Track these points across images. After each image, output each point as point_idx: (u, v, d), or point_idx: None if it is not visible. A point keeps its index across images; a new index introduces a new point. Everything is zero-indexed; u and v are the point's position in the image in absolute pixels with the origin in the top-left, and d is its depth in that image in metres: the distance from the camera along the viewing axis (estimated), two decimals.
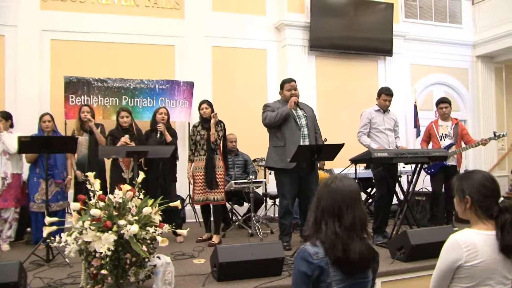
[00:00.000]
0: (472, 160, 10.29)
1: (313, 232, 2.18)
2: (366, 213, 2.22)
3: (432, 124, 6.76)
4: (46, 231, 3.58)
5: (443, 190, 6.56)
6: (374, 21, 9.25)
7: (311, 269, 2.07)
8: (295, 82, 5.60)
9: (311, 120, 5.50)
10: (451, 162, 6.44)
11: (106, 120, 7.06)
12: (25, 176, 6.01)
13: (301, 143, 5.26)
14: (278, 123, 5.31)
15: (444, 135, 6.57)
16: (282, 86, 5.61)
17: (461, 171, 6.71)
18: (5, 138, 5.63)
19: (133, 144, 5.71)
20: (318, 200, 2.20)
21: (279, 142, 5.36)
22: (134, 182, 4.08)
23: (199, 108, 5.91)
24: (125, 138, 5.66)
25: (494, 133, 6.40)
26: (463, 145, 6.55)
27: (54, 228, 3.60)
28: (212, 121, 5.68)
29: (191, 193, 6.95)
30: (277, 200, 7.48)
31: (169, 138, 5.82)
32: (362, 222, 2.15)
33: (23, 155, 5.79)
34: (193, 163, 5.91)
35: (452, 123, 6.63)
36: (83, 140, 5.99)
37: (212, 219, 5.94)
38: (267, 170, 7.70)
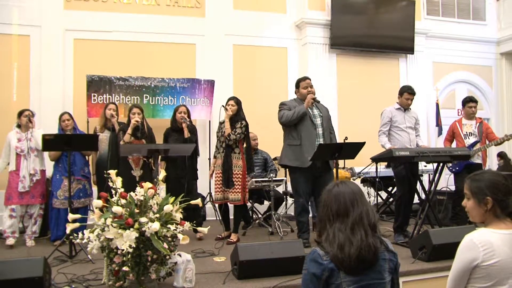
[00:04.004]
0: (495, 159, 10.12)
1: (322, 237, 2.18)
2: (373, 209, 2.19)
3: (456, 123, 6.67)
4: (69, 227, 3.64)
5: None
6: (396, 19, 9.17)
7: (321, 269, 2.05)
8: (310, 79, 5.64)
9: (326, 120, 5.52)
10: (476, 160, 6.35)
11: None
12: (47, 173, 6.11)
13: (316, 142, 5.28)
14: (294, 122, 5.34)
15: (468, 133, 6.49)
16: (297, 85, 5.64)
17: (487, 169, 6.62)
18: (36, 135, 5.73)
19: (143, 141, 5.71)
20: (324, 207, 2.20)
21: (295, 141, 5.38)
22: (155, 180, 4.10)
23: (226, 104, 5.84)
24: (136, 118, 5.62)
25: None
26: (487, 142, 6.45)
27: (77, 224, 3.66)
28: (225, 115, 5.69)
29: (211, 191, 6.98)
30: None
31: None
32: (369, 216, 2.12)
33: (45, 152, 5.88)
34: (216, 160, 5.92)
35: (476, 122, 6.55)
36: (104, 137, 6.06)
37: (232, 217, 5.96)
38: (287, 168, 7.71)
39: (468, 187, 2.28)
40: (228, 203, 5.79)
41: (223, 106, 5.84)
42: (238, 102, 5.81)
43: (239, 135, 5.65)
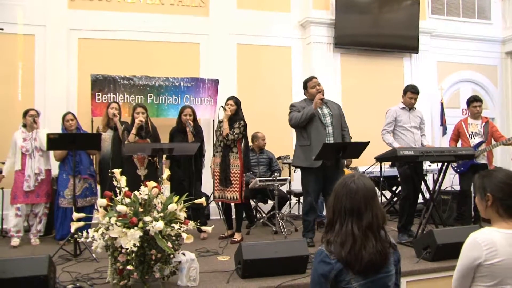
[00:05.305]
0: (500, 159, 10.08)
1: (330, 231, 2.17)
2: (384, 212, 2.20)
3: (461, 123, 6.64)
4: (73, 226, 3.65)
5: (471, 189, 6.44)
6: (400, 18, 9.14)
7: (329, 268, 2.05)
8: (317, 78, 5.65)
9: (337, 118, 5.49)
10: (481, 160, 6.33)
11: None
12: (53, 172, 6.13)
13: (327, 142, 5.27)
14: (304, 123, 5.34)
15: (474, 133, 6.46)
16: (305, 86, 5.64)
17: None
18: (41, 135, 5.75)
19: (148, 140, 5.69)
20: (336, 200, 2.17)
21: (305, 142, 5.40)
22: (159, 179, 4.11)
23: (225, 104, 5.84)
24: (140, 117, 5.56)
25: None
26: (493, 142, 6.41)
27: (81, 223, 3.67)
28: (224, 115, 5.70)
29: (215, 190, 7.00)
30: (301, 198, 7.49)
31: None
32: (379, 220, 2.13)
33: (51, 151, 5.90)
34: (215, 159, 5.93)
35: (482, 122, 6.51)
36: (106, 136, 6.06)
37: (234, 216, 5.97)
38: (291, 168, 7.70)
39: (475, 181, 2.31)
40: (226, 202, 5.80)
41: (222, 106, 5.85)
42: (237, 102, 5.83)
43: (237, 135, 5.67)
